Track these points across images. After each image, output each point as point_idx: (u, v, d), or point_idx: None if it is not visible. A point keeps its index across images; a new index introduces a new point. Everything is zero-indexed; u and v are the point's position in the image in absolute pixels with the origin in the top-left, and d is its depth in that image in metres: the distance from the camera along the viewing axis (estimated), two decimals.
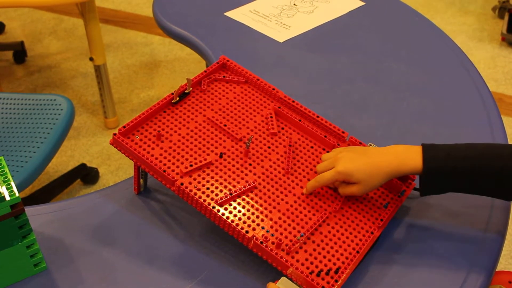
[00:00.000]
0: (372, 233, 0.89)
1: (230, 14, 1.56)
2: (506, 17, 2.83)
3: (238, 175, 0.92)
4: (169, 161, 0.92)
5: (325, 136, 1.00)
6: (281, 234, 0.86)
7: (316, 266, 0.84)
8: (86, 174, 2.14)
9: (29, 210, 0.97)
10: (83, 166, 2.14)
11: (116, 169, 2.21)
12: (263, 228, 0.86)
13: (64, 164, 2.23)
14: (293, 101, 1.04)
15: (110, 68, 2.73)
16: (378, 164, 0.89)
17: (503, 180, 0.85)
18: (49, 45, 2.95)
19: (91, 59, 2.20)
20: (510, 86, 2.65)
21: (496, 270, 0.99)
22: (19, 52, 2.79)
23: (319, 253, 0.85)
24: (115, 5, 3.29)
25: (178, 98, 1.00)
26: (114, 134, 0.92)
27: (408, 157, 0.88)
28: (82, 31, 3.00)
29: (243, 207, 0.88)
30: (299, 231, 0.87)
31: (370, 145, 1.00)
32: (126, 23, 3.13)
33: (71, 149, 2.30)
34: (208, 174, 0.91)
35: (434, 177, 0.87)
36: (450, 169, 0.86)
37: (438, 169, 0.86)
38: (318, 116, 1.02)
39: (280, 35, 1.47)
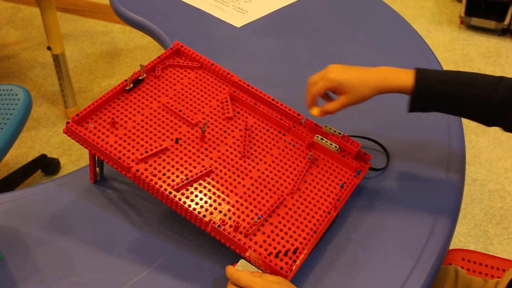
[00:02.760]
0: (329, 213, 0.90)
1: None
2: (464, 0, 2.87)
3: (194, 160, 0.92)
4: (124, 148, 0.91)
5: (281, 119, 1.01)
6: (239, 217, 0.87)
7: (274, 248, 0.84)
8: (46, 165, 2.11)
9: None
10: (43, 157, 2.11)
11: (77, 159, 2.19)
12: (220, 212, 0.86)
13: (24, 155, 2.19)
14: (248, 85, 1.04)
15: (70, 57, 2.68)
16: (368, 76, 0.94)
17: (484, 107, 0.89)
18: (6, 35, 2.88)
19: (48, 48, 2.16)
20: (469, 69, 2.69)
21: (451, 248, 1.02)
22: None
23: (277, 235, 0.86)
24: None
25: (132, 85, 0.99)
26: (67, 122, 0.91)
27: (397, 75, 0.93)
28: (40, 20, 2.92)
29: (200, 191, 0.88)
30: (256, 214, 0.88)
31: (326, 126, 1.00)
32: (85, 12, 3.08)
33: (31, 140, 2.26)
34: (164, 160, 0.91)
35: (423, 97, 0.91)
36: (439, 91, 0.90)
37: (428, 90, 0.91)
38: (273, 99, 1.03)
39: (237, 20, 1.47)
